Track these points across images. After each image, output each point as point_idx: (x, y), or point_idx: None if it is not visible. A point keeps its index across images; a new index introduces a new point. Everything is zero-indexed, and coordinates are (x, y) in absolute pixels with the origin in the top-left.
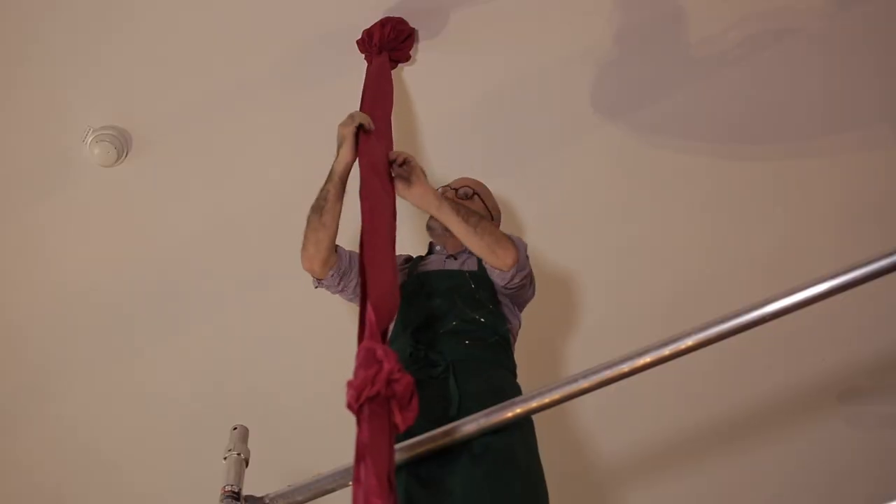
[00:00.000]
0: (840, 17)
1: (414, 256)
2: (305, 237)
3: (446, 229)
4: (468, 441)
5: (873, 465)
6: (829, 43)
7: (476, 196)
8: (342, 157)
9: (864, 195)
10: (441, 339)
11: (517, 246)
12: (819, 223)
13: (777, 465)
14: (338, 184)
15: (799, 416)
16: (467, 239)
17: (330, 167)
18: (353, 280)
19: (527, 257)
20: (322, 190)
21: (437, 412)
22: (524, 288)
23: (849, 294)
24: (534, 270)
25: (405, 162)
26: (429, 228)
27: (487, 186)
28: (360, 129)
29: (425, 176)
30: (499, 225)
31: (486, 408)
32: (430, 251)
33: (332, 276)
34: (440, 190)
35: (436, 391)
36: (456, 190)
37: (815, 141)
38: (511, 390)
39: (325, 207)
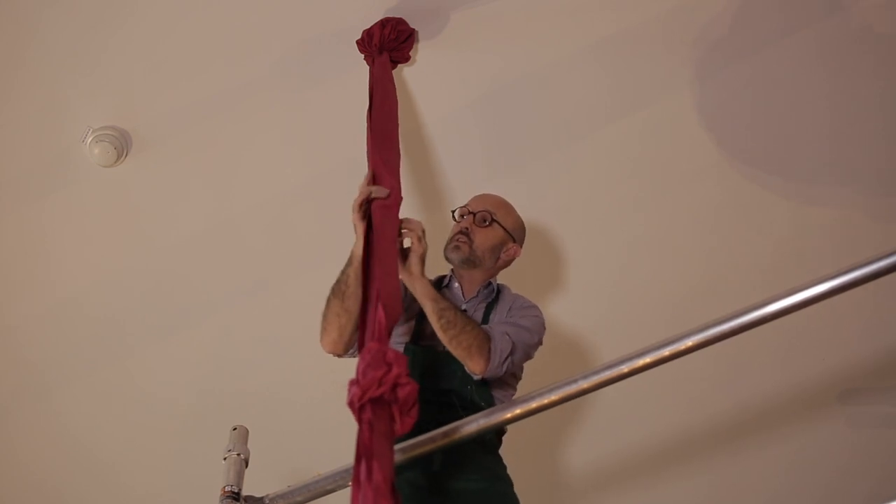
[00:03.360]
0: (844, 21)
1: (435, 278)
2: (327, 321)
3: (464, 262)
4: (461, 489)
5: (873, 465)
6: (834, 48)
7: (494, 223)
8: (358, 244)
9: (865, 196)
10: (440, 398)
11: (490, 359)
12: (821, 225)
13: (777, 465)
14: (358, 268)
15: (799, 416)
16: (444, 343)
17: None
18: None
19: (506, 359)
20: (343, 274)
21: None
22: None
23: (849, 294)
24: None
25: (410, 245)
26: (447, 258)
27: (508, 202)
28: (370, 203)
29: (422, 264)
30: (522, 240)
31: (470, 463)
32: (448, 284)
33: (353, 352)
34: (457, 212)
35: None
36: (474, 214)
37: (818, 143)
38: (494, 449)
39: (346, 293)
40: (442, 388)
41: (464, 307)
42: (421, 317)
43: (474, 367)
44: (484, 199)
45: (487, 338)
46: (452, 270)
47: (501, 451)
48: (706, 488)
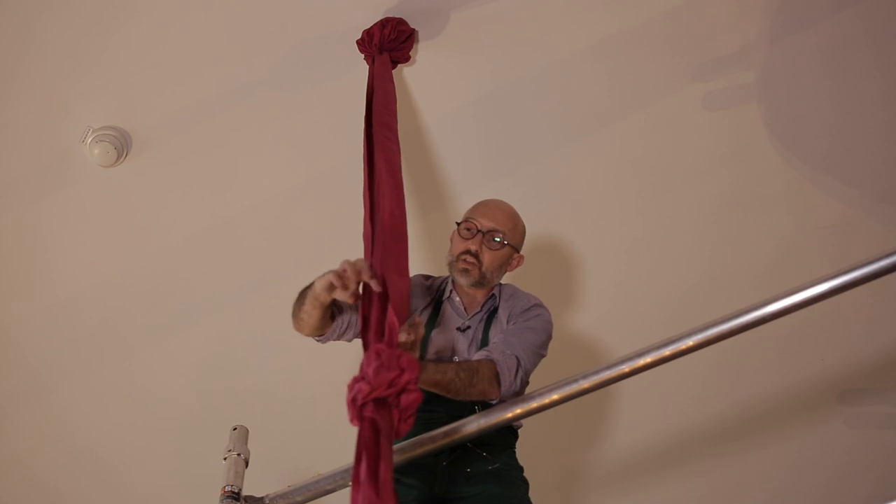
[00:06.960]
0: (845, 20)
1: (436, 279)
2: (296, 318)
3: (473, 285)
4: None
5: (873, 465)
6: (834, 48)
7: (506, 246)
8: (321, 284)
9: (865, 196)
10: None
11: (501, 383)
12: (821, 225)
13: (777, 465)
14: (316, 304)
15: (799, 416)
16: (458, 399)
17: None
18: (350, 334)
19: (516, 374)
20: (301, 303)
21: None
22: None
23: (849, 294)
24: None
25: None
26: (454, 279)
27: (515, 207)
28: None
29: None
30: (522, 243)
31: (477, 472)
32: (449, 297)
33: (328, 335)
34: (463, 225)
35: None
36: (483, 233)
37: (818, 142)
38: (505, 449)
39: (302, 318)
40: (454, 412)
41: (467, 323)
42: (424, 340)
43: (491, 397)
44: (493, 214)
45: (492, 367)
46: (452, 281)
47: None
48: (706, 488)
